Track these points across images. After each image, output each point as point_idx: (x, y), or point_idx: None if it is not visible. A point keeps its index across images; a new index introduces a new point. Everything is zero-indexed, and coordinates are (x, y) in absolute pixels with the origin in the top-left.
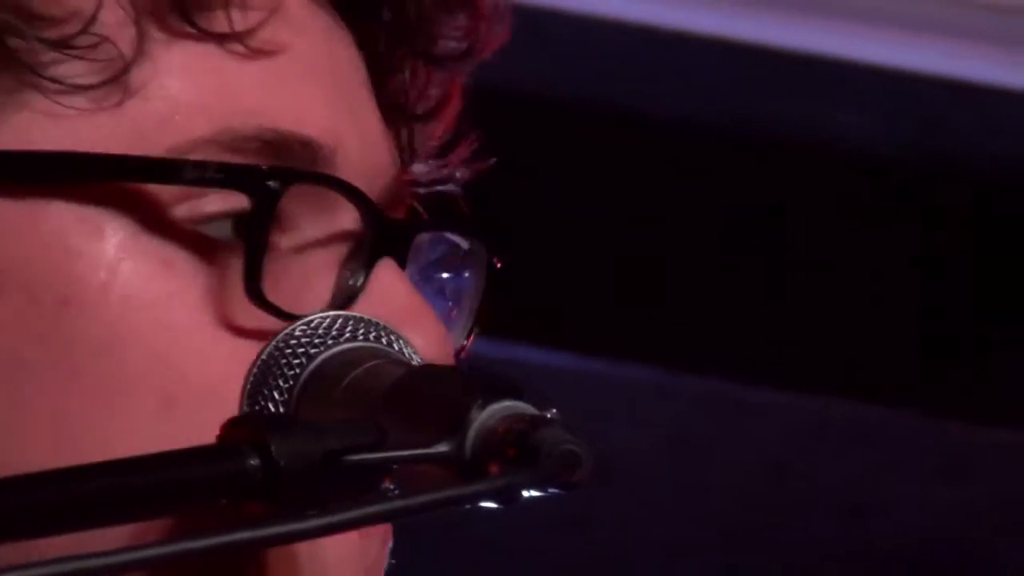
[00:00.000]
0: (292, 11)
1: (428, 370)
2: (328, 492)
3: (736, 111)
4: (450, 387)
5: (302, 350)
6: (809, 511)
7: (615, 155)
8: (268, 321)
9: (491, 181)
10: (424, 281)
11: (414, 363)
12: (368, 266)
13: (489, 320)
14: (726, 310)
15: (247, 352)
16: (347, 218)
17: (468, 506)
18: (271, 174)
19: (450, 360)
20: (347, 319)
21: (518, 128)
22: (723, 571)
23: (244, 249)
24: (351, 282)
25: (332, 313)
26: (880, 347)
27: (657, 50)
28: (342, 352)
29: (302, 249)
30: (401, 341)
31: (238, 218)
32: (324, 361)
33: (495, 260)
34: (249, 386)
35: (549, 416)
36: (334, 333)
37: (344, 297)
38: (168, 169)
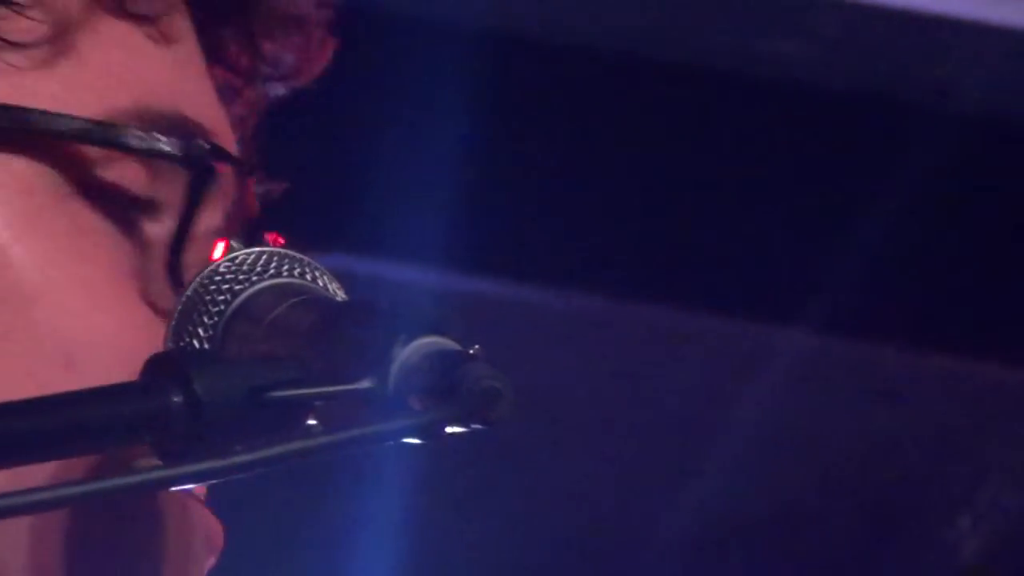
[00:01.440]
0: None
1: (352, 305)
2: (252, 429)
3: (674, 40)
4: (373, 322)
5: (227, 287)
6: (748, 438)
7: (545, 85)
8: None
9: (422, 115)
10: None
11: (338, 299)
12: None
13: (429, 250)
14: (664, 238)
15: (156, 321)
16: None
17: (391, 442)
18: (213, 154)
19: None
20: (272, 255)
21: (442, 60)
22: (659, 502)
23: (172, 224)
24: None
25: (256, 249)
26: (818, 275)
27: None
28: (266, 288)
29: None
30: (325, 277)
31: (155, 191)
32: (249, 298)
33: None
34: (174, 323)
35: (472, 352)
36: (258, 269)
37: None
38: (116, 133)
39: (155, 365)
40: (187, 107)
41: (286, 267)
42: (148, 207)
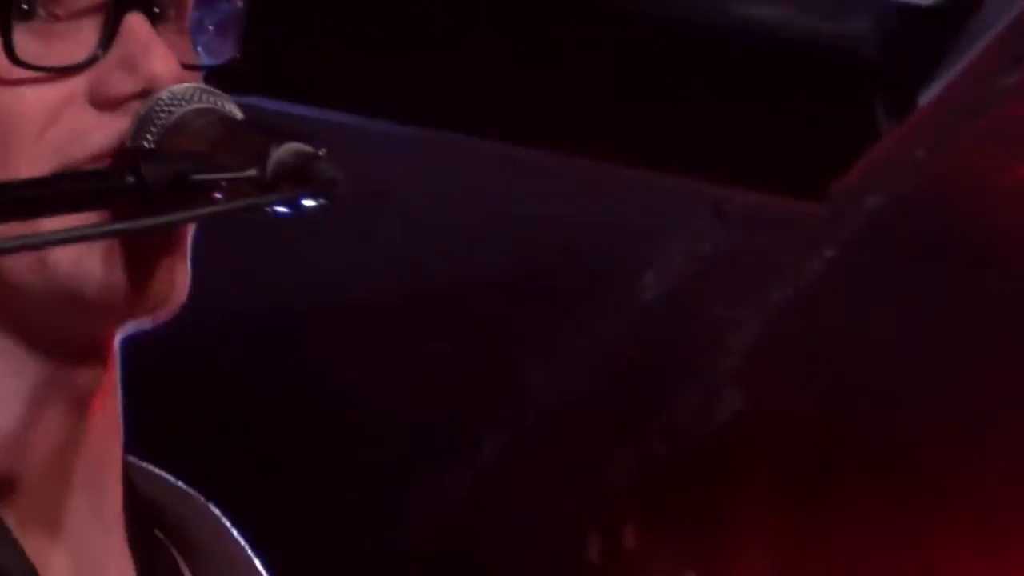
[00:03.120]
0: None
1: (247, 122)
2: (180, 200)
3: None
4: (259, 132)
5: (167, 108)
6: (475, 231)
7: None
8: (32, 73)
9: None
10: (197, 9)
11: (237, 117)
12: (118, 19)
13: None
14: (464, 66)
15: (28, 94)
16: None
17: (267, 210)
18: None
19: (183, 78)
20: (196, 89)
21: None
22: (465, 299)
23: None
24: (107, 32)
25: (187, 85)
26: (538, 103)
27: None
28: (192, 110)
29: (72, 15)
30: (231, 104)
31: None
32: (180, 116)
33: None
34: (132, 132)
35: (321, 153)
36: (187, 97)
37: (103, 43)
38: None
39: (120, 156)
40: None
41: (206, 96)
42: None
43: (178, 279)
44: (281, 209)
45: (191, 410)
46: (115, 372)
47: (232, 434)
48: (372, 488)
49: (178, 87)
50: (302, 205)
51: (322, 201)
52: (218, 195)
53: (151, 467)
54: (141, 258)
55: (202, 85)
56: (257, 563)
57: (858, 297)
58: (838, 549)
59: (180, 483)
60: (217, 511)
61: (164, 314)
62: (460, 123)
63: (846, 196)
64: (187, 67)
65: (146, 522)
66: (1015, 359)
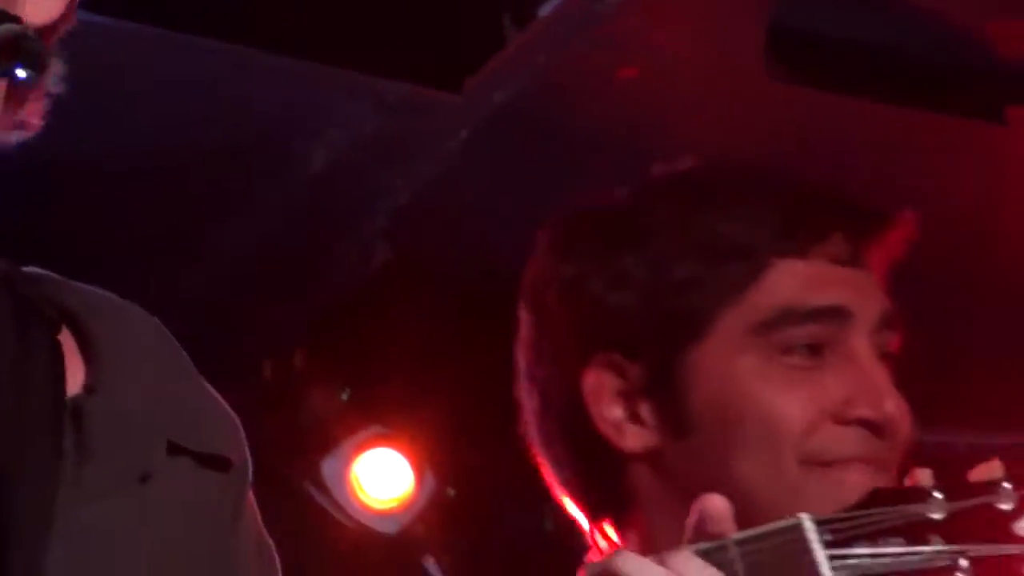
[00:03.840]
0: None
1: None
2: None
3: None
4: None
5: None
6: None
7: None
8: None
9: None
10: None
11: None
12: None
13: None
14: None
15: None
16: None
17: None
18: None
19: None
20: None
21: None
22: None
23: None
24: None
25: None
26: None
27: None
28: None
29: None
30: None
31: None
32: None
33: None
34: None
35: (31, 33)
36: None
37: None
38: None
39: None
40: None
41: None
42: None
43: None
44: None
45: None
46: None
47: None
48: None
49: None
50: (16, 74)
51: (32, 72)
52: None
53: (72, 281)
54: None
55: None
56: (187, 367)
57: (486, 173)
58: (466, 380)
59: (105, 292)
60: (152, 319)
61: None
62: (167, 18)
63: (478, 90)
64: None
65: (41, 321)
66: None
